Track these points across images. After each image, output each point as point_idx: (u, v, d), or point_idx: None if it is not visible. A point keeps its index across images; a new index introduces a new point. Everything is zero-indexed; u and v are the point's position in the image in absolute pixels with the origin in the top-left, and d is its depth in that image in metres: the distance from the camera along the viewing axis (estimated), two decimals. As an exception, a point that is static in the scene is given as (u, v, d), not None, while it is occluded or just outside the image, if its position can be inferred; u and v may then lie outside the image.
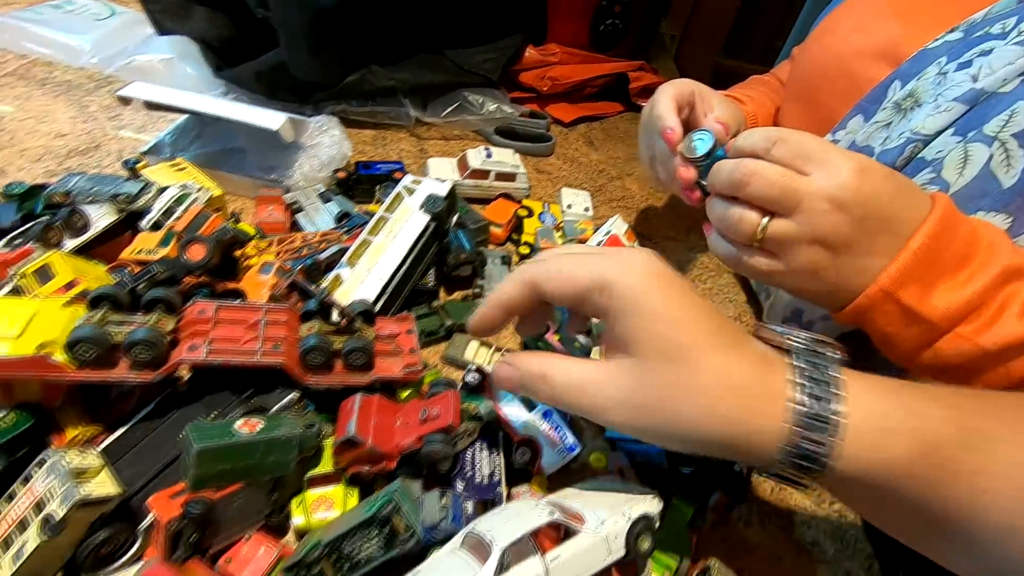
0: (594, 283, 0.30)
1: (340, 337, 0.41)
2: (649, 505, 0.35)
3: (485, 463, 0.41)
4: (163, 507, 0.32)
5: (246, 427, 0.34)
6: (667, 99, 0.53)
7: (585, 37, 1.02)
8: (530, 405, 0.43)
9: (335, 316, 0.42)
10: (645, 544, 0.34)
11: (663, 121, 0.51)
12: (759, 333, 0.32)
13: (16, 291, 0.39)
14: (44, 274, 0.39)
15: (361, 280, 0.48)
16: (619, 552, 0.33)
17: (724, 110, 0.58)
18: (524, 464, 0.41)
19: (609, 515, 0.33)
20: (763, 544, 0.44)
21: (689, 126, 0.55)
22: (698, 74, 0.64)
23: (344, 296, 0.47)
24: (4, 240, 0.45)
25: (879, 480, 0.27)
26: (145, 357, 0.36)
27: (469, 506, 0.37)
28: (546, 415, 0.42)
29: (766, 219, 0.38)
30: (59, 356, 0.34)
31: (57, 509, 0.30)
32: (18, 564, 0.30)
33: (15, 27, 0.71)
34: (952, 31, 0.47)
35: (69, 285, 0.39)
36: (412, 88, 0.80)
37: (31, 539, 0.30)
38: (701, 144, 0.44)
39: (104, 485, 0.32)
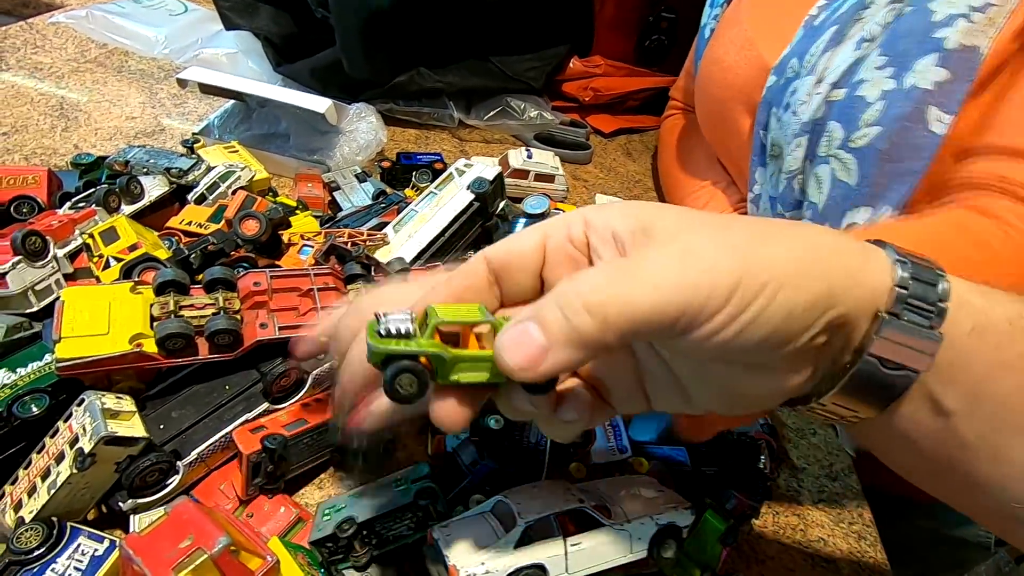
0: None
1: None
2: (680, 516, 0.35)
3: (534, 432, 0.42)
4: (246, 440, 0.35)
5: None
6: None
7: (631, 51, 1.03)
8: None
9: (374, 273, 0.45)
10: (668, 552, 0.34)
11: None
12: None
13: (86, 248, 0.42)
14: (110, 235, 0.43)
15: (402, 243, 0.51)
16: (640, 553, 0.33)
17: None
18: (577, 444, 0.42)
19: (637, 516, 0.34)
20: (776, 555, 0.42)
21: None
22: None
23: (384, 256, 0.50)
24: (69, 203, 0.49)
25: (987, 368, 0.22)
26: (226, 341, 0.38)
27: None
28: None
29: None
30: (149, 347, 0.36)
31: (87, 443, 0.32)
32: (52, 492, 0.32)
33: (101, 18, 0.78)
34: (772, 75, 0.53)
35: (132, 247, 0.42)
36: (457, 91, 0.83)
37: (64, 470, 0.32)
38: None
39: (132, 427, 0.34)
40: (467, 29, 0.82)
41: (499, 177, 0.56)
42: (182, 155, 0.58)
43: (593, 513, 0.33)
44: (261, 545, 0.31)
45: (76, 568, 0.31)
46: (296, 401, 0.40)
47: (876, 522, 0.47)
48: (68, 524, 0.32)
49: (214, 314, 0.38)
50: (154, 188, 0.53)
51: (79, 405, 0.34)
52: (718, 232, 0.21)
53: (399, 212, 0.57)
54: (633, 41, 1.03)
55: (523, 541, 0.31)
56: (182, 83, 0.63)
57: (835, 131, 0.46)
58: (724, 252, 0.20)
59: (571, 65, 0.95)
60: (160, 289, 0.39)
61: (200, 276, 0.42)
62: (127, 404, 0.35)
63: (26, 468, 0.34)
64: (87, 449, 0.32)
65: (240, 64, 0.79)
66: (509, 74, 0.85)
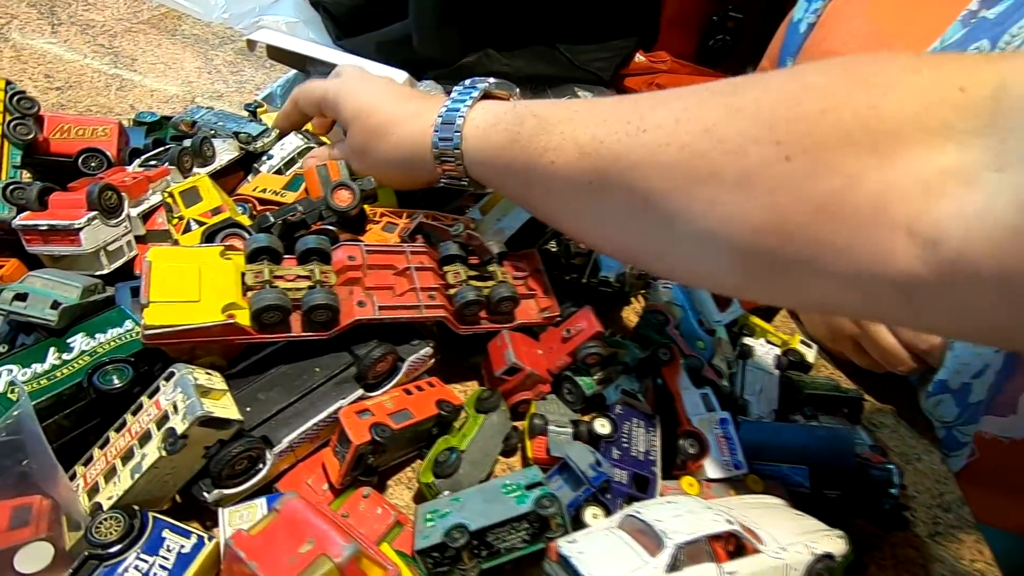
0: (324, 97, 0.45)
1: (484, 283, 0.41)
2: (836, 544, 0.31)
3: (641, 439, 0.39)
4: (355, 427, 0.32)
5: None
6: None
7: (692, 50, 1.00)
8: (709, 406, 0.40)
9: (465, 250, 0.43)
10: None
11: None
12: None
13: (166, 208, 0.38)
14: (192, 196, 0.39)
15: (489, 227, 0.48)
16: None
17: None
18: (688, 456, 0.38)
19: (790, 542, 0.30)
20: (903, 593, 0.38)
21: None
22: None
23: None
24: (139, 160, 0.45)
25: (492, 163, 0.37)
26: (323, 318, 0.34)
27: (624, 475, 0.36)
28: (723, 422, 0.39)
29: None
30: (242, 318, 0.32)
31: (179, 423, 0.28)
32: (136, 477, 0.28)
33: (156, -23, 0.74)
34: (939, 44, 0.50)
35: (215, 210, 0.38)
36: (525, 77, 0.79)
37: (151, 452, 0.28)
38: None
39: (227, 409, 0.30)
40: (537, 14, 0.78)
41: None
42: (250, 120, 0.54)
43: (746, 537, 0.29)
44: (379, 553, 0.27)
45: (162, 566, 0.27)
46: (392, 387, 0.36)
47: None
48: (150, 514, 0.28)
49: (311, 287, 0.35)
50: (224, 152, 0.49)
51: (168, 379, 0.30)
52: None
53: (477, 198, 0.54)
54: (696, 39, 0.99)
55: (673, 567, 0.27)
56: (251, 44, 0.60)
57: None
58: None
59: (636, 59, 0.91)
60: (252, 256, 0.35)
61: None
62: (218, 382, 0.31)
63: (102, 448, 0.31)
64: (180, 430, 0.28)
65: (300, 34, 0.75)
66: (576, 63, 0.82)
